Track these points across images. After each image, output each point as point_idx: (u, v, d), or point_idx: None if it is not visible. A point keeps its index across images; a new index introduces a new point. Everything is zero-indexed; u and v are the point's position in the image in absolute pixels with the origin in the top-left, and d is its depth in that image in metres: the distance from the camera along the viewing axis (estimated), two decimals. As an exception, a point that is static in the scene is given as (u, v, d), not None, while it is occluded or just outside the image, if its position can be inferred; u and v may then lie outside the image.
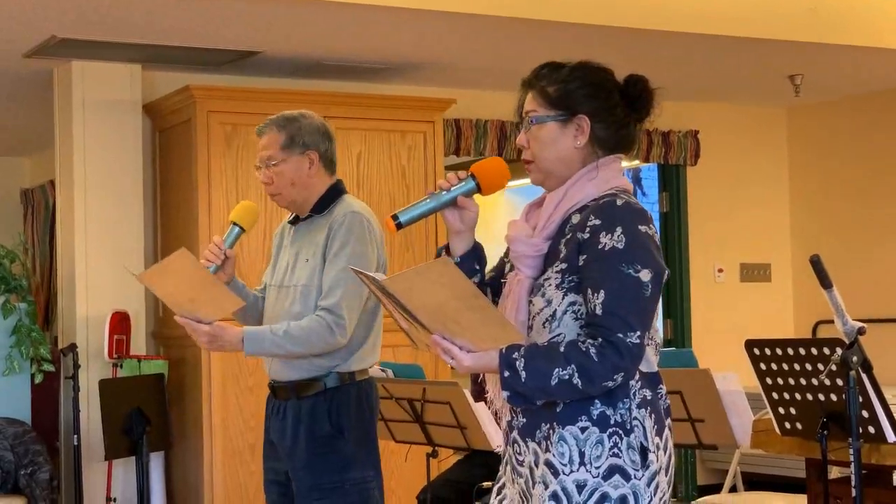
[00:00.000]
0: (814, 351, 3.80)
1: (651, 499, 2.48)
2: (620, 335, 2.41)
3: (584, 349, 2.41)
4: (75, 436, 6.16)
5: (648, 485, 2.48)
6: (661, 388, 2.57)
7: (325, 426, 3.75)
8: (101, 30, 5.94)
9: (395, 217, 2.56)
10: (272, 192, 3.84)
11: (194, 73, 6.81)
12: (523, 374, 2.42)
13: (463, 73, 7.13)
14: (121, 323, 6.41)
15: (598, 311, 2.43)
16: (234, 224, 3.74)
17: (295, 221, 3.92)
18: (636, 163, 8.62)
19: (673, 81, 7.59)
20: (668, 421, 2.58)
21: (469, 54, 6.71)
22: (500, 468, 2.69)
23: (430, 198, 2.59)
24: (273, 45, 6.37)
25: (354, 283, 3.66)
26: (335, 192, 3.86)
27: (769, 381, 4.00)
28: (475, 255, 2.64)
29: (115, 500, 6.45)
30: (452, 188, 2.59)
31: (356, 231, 3.75)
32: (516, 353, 2.43)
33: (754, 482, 7.00)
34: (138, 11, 5.65)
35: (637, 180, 13.68)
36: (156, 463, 6.39)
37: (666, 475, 2.53)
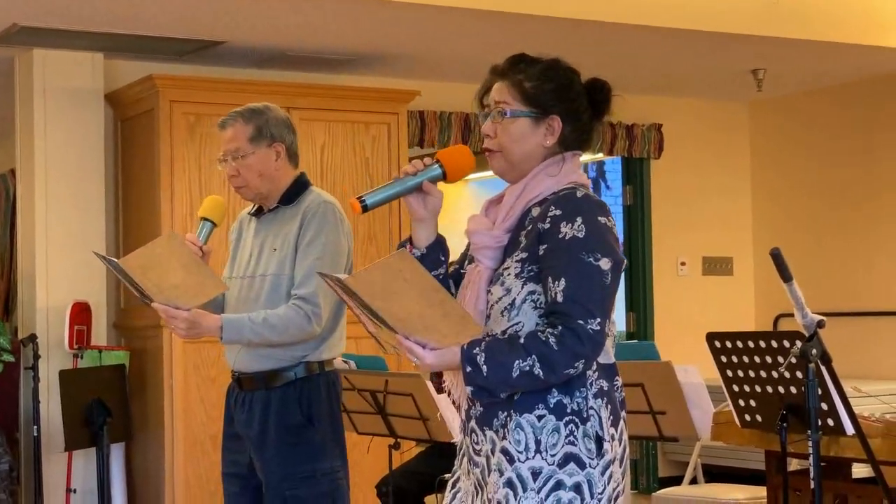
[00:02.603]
0: (774, 344, 3.83)
1: (605, 487, 2.50)
2: (581, 322, 2.43)
3: (543, 339, 2.44)
4: (35, 427, 6.12)
5: (603, 473, 2.50)
6: (617, 380, 2.59)
7: (295, 416, 3.75)
8: (63, 18, 5.90)
9: (361, 199, 2.56)
10: (238, 185, 3.83)
11: (157, 62, 6.77)
12: (485, 368, 2.44)
13: (427, 65, 7.13)
14: (81, 313, 6.38)
15: (559, 298, 2.45)
16: (204, 219, 3.73)
17: (257, 213, 3.91)
18: (600, 156, 8.65)
19: (637, 75, 7.62)
20: (624, 413, 2.60)
21: (434, 46, 6.70)
22: (456, 461, 2.70)
23: (396, 182, 2.60)
24: (237, 36, 6.35)
25: (329, 271, 3.65)
26: (301, 185, 3.88)
27: (730, 373, 4.03)
28: (440, 246, 2.66)
29: (75, 491, 6.41)
30: (418, 173, 2.60)
31: (330, 220, 3.77)
32: (477, 349, 2.45)
33: (715, 474, 7.04)
34: (101, 0, 5.61)
35: (601, 173, 13.72)
36: (116, 454, 6.36)
37: (620, 466, 2.55)
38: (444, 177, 2.61)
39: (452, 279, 2.70)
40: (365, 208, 2.56)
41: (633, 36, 6.53)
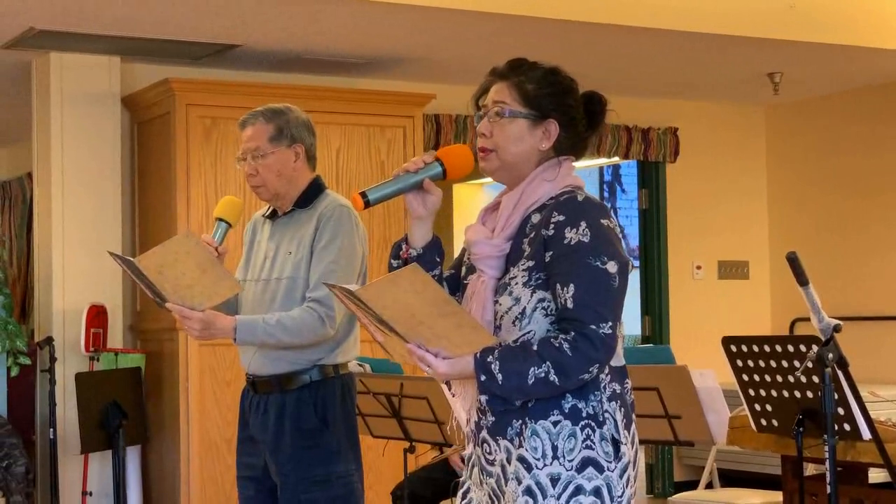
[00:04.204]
0: (790, 348, 3.82)
1: (624, 490, 2.50)
2: (593, 327, 2.43)
3: (556, 345, 2.43)
4: (51, 429, 6.13)
5: (621, 476, 2.50)
6: (627, 383, 2.59)
7: (311, 419, 3.74)
8: (80, 21, 5.92)
9: (363, 195, 2.57)
10: (256, 185, 3.83)
11: (173, 65, 6.79)
12: (499, 376, 2.44)
13: (443, 68, 7.13)
14: (98, 316, 6.39)
15: (570, 304, 2.45)
16: (220, 220, 3.73)
17: (272, 216, 3.91)
18: (616, 159, 8.64)
19: (653, 78, 7.61)
20: (634, 415, 2.60)
21: (449, 50, 6.70)
22: (465, 472, 2.69)
23: (397, 179, 2.60)
24: (253, 39, 6.36)
25: (343, 275, 3.66)
26: (317, 188, 3.87)
27: (746, 377, 4.02)
28: (435, 247, 2.66)
29: (90, 493, 6.43)
30: (419, 171, 2.60)
31: (345, 225, 3.76)
32: (491, 357, 2.44)
33: (730, 478, 7.02)
34: (117, 3, 5.63)
35: (617, 177, 13.70)
36: (132, 456, 6.37)
37: (634, 469, 2.55)
38: (443, 175, 2.61)
39: (446, 282, 2.70)
40: (367, 203, 2.57)
41: (649, 39, 6.52)
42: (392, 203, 6.79)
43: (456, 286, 2.70)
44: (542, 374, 2.42)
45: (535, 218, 2.56)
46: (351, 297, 2.46)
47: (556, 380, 2.43)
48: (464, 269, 2.69)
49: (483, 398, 2.48)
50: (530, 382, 2.43)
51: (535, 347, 2.44)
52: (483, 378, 2.44)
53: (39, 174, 6.74)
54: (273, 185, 3.81)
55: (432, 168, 2.60)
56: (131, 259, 3.60)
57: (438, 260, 2.67)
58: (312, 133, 3.90)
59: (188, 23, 5.99)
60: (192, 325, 3.60)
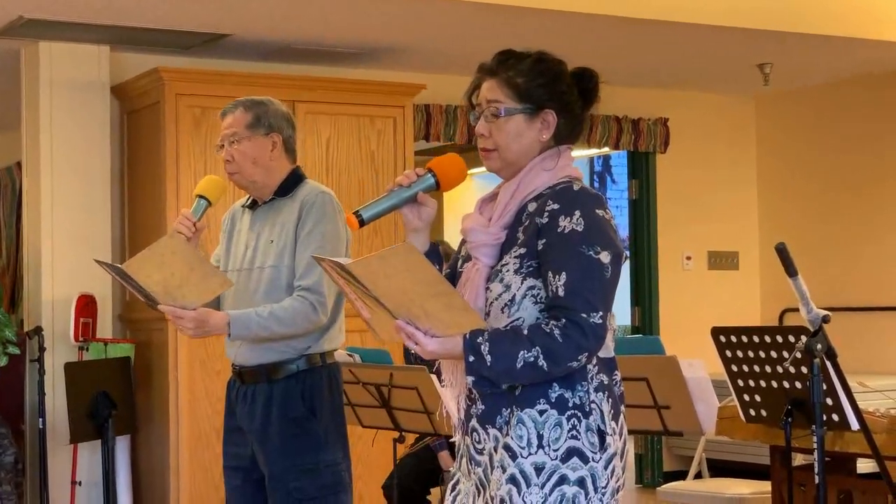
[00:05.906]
0: (779, 339, 3.83)
1: (608, 482, 2.50)
2: (584, 315, 2.44)
3: (547, 331, 2.43)
4: (40, 419, 6.13)
5: (606, 467, 2.50)
6: (616, 374, 2.59)
7: (298, 408, 3.75)
8: (70, 10, 5.90)
9: (357, 214, 2.57)
10: (232, 171, 3.84)
11: (163, 55, 6.77)
12: (488, 357, 2.43)
13: (433, 59, 7.12)
14: (87, 306, 6.38)
15: (561, 292, 2.45)
16: (200, 197, 3.75)
17: (252, 206, 3.92)
18: (606, 150, 8.64)
19: (643, 69, 7.61)
20: (623, 407, 2.60)
21: (440, 39, 6.70)
22: (454, 463, 2.69)
23: (391, 194, 2.60)
24: (243, 29, 6.34)
25: None
26: (297, 177, 3.89)
27: (735, 368, 4.03)
28: (434, 255, 2.66)
29: (80, 483, 6.42)
30: (412, 185, 2.60)
31: (328, 211, 3.78)
32: (481, 338, 2.44)
33: (719, 468, 7.03)
34: (106, -8, 5.62)
35: (607, 167, 13.70)
36: (121, 446, 6.37)
37: (621, 460, 2.55)
38: (437, 187, 2.61)
39: None
40: (362, 223, 2.57)
41: (639, 30, 6.52)
42: (378, 192, 6.79)
43: (454, 281, 2.69)
44: (532, 359, 2.42)
45: (532, 207, 2.56)
46: (341, 272, 2.45)
47: (545, 365, 2.43)
48: (461, 259, 2.70)
49: (470, 380, 2.46)
50: (519, 366, 2.43)
51: (525, 332, 2.45)
52: (472, 359, 2.44)
53: (28, 163, 6.72)
54: (248, 173, 3.82)
55: (425, 180, 2.60)
56: (119, 265, 3.62)
57: (437, 267, 2.67)
58: (292, 126, 3.91)
59: (178, 12, 5.98)
60: (185, 324, 3.61)
